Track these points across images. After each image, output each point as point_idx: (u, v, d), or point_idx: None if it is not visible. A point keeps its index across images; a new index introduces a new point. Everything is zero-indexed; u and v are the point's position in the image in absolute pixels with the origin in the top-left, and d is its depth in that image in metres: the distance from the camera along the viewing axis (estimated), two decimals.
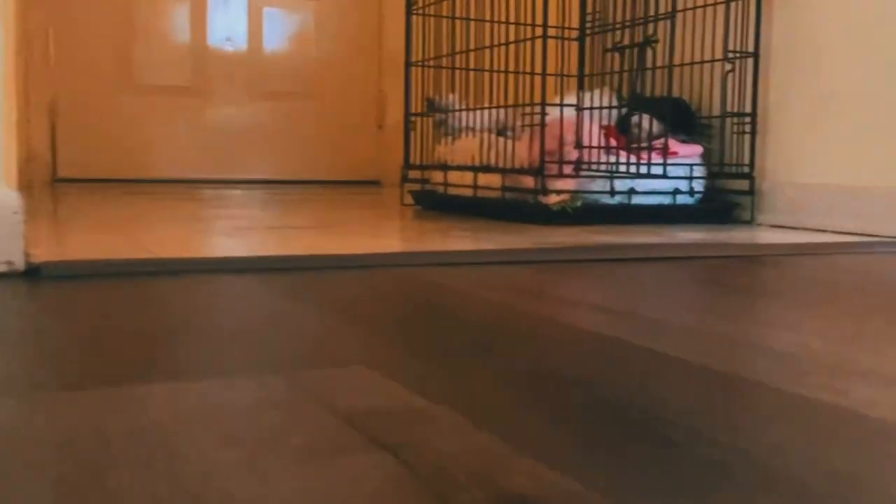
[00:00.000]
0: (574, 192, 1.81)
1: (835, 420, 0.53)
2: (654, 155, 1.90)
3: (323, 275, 1.09)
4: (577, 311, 0.89)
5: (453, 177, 2.11)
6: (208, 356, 0.67)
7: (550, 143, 1.81)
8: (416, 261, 1.20)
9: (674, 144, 2.00)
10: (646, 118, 2.09)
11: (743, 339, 0.77)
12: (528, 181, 1.82)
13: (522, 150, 1.85)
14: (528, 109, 1.84)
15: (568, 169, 1.81)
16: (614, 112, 2.18)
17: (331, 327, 0.79)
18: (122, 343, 0.72)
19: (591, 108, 1.81)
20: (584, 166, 1.82)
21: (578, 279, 1.13)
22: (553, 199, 1.80)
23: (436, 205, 2.20)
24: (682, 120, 2.09)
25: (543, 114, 1.79)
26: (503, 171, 1.90)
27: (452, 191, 2.12)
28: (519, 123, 1.89)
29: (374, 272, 1.11)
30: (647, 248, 1.39)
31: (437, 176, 2.18)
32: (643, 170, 1.83)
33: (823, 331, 0.81)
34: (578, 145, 1.81)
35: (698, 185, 1.98)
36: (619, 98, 2.29)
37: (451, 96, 2.23)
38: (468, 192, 2.03)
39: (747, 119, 1.98)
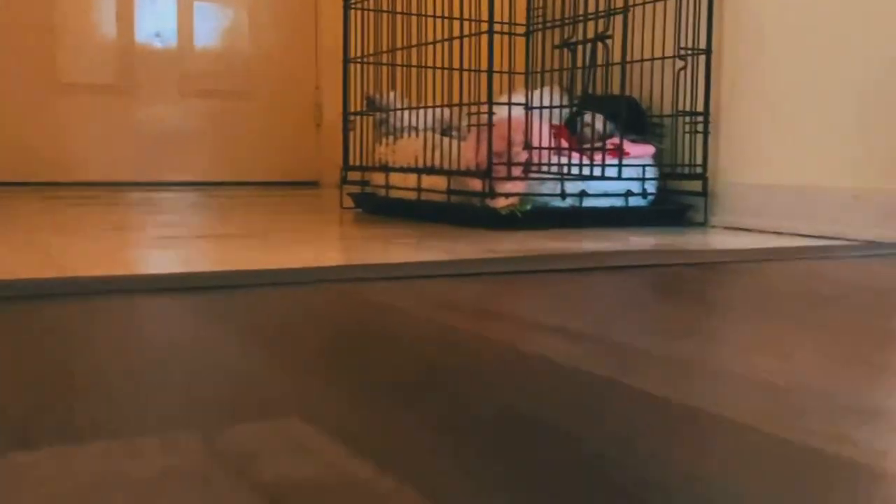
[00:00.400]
0: (523, 195, 1.73)
1: (834, 472, 0.44)
2: (606, 155, 1.83)
3: (254, 294, 0.98)
4: (530, 333, 0.80)
5: (395, 179, 2.01)
6: (110, 407, 0.56)
7: (498, 144, 1.72)
8: (357, 275, 1.10)
9: (626, 145, 1.92)
10: (597, 118, 2.02)
11: (715, 366, 0.68)
12: (475, 184, 1.73)
13: (469, 151, 1.75)
14: (474, 108, 1.74)
15: (517, 171, 1.72)
16: (564, 111, 2.10)
17: (260, 362, 0.68)
18: (3, 391, 0.60)
19: (541, 108, 1.73)
20: (534, 168, 1.73)
21: (531, 293, 1.04)
22: (501, 202, 1.71)
23: (377, 208, 2.10)
24: (633, 119, 2.02)
25: (490, 113, 1.70)
26: (448, 173, 1.81)
27: (395, 193, 2.02)
28: (464, 123, 1.80)
29: (311, 289, 1.01)
30: (601, 256, 1.30)
31: (378, 178, 2.08)
32: (595, 171, 1.75)
33: (804, 354, 0.72)
34: (527, 146, 1.72)
35: (651, 187, 1.91)
36: (570, 97, 2.22)
37: (392, 94, 2.12)
38: (412, 195, 1.93)
39: (700, 118, 1.92)
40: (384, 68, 2.09)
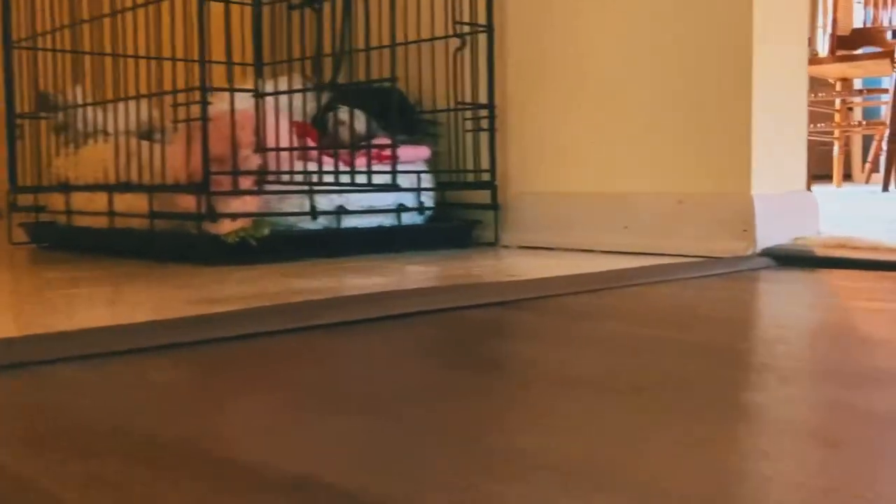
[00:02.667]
0: (258, 216, 1.24)
1: None
2: (372, 159, 1.38)
3: None
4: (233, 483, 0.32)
5: (79, 201, 1.45)
6: None
7: (218, 146, 1.22)
8: (11, 358, 0.57)
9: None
10: (356, 114, 1.57)
11: None
12: (188, 202, 1.22)
13: (176, 158, 1.24)
14: (182, 98, 1.23)
15: (247, 182, 1.23)
16: (310, 106, 1.63)
17: None
18: None
19: (277, 94, 1.25)
20: (272, 178, 1.25)
21: (250, 377, 0.56)
22: (226, 226, 1.21)
23: (61, 242, 1.53)
24: (397, 114, 1.59)
25: (205, 102, 1.20)
26: (150, 190, 1.28)
27: (80, 221, 1.45)
28: (171, 120, 1.28)
29: None
30: (364, 301, 0.84)
31: (58, 201, 1.51)
32: (359, 181, 1.29)
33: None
34: (260, 148, 1.23)
35: (428, 199, 1.49)
36: (318, 88, 1.75)
37: (78, 90, 1.56)
38: (104, 222, 1.38)
39: (484, 112, 1.52)
40: (66, 57, 1.52)
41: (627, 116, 1.38)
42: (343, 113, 1.57)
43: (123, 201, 1.34)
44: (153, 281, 1.11)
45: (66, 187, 1.47)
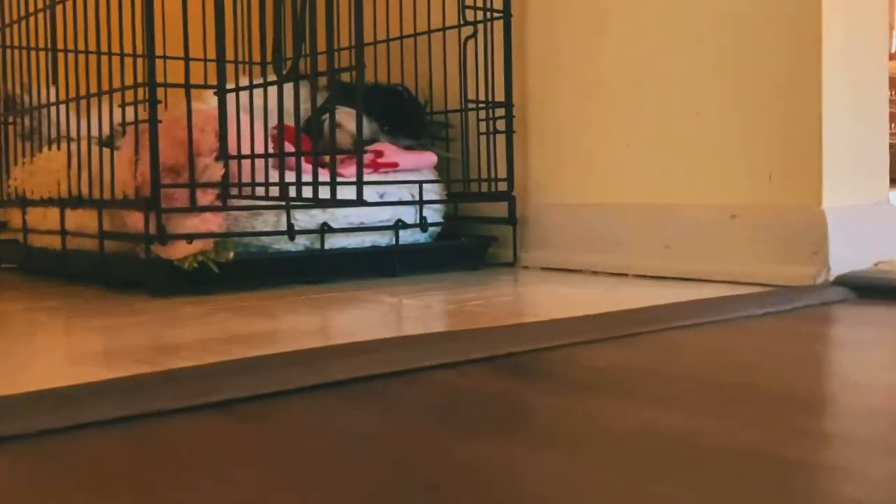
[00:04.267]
0: (220, 236, 1.03)
1: None
2: (354, 168, 1.18)
3: None
4: None
5: (34, 217, 1.27)
6: None
7: (171, 153, 1.02)
8: None
9: (393, 152, 1.28)
10: (351, 116, 1.37)
11: None
12: (137, 220, 1.02)
13: (123, 168, 1.04)
14: (131, 96, 1.04)
15: (207, 196, 1.03)
16: (303, 108, 1.43)
17: None
18: None
19: (239, 90, 1.04)
20: (238, 191, 1.04)
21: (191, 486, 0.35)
22: (180, 250, 1.01)
23: (23, 263, 1.35)
24: (401, 117, 1.38)
25: (153, 100, 1.00)
26: (99, 205, 1.09)
27: (37, 241, 1.27)
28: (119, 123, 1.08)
29: None
30: (296, 363, 0.63)
31: (17, 217, 1.32)
32: (345, 194, 1.09)
33: None
34: (225, 156, 1.03)
35: (434, 213, 1.27)
36: (281, 78, 1.56)
37: (52, 91, 1.38)
38: (58, 242, 1.20)
39: (500, 112, 1.30)
40: (39, 53, 1.34)
41: (669, 112, 1.15)
42: (340, 114, 1.37)
43: (75, 218, 1.15)
44: (103, 312, 0.91)
45: (21, 201, 1.29)
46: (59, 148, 1.24)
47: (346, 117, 1.37)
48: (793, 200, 1.03)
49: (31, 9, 1.26)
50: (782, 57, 1.04)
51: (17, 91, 1.38)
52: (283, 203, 1.06)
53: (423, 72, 1.40)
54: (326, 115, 1.39)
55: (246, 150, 1.03)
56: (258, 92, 1.12)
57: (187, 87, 1.02)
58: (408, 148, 1.33)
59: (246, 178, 1.03)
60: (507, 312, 0.90)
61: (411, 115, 1.39)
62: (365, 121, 1.34)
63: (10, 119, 1.37)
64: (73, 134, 1.19)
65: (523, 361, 0.66)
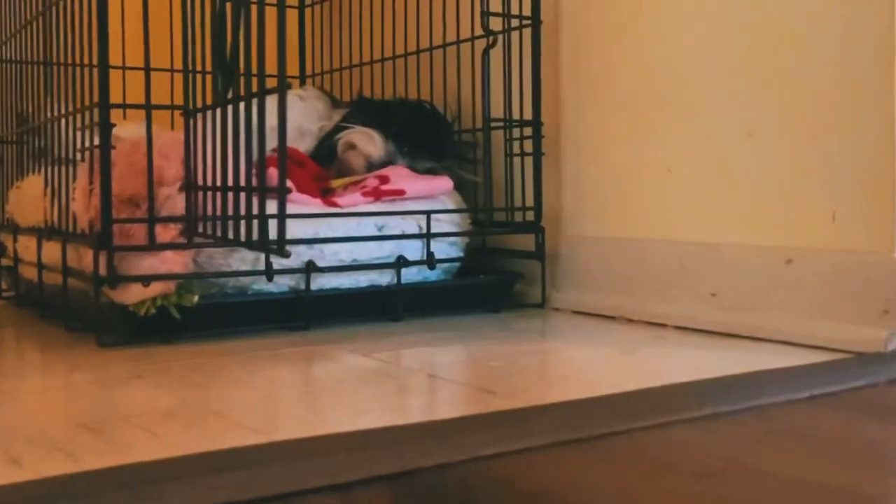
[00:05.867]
0: (180, 278, 0.91)
1: None
2: (356, 196, 1.05)
3: None
4: None
5: (22, 246, 1.18)
6: None
7: (130, 182, 0.90)
8: None
9: (401, 177, 1.13)
10: (369, 136, 1.24)
11: None
12: (89, 258, 0.91)
13: (78, 200, 0.93)
14: (83, 118, 0.93)
15: (168, 232, 0.90)
16: (316, 126, 1.32)
17: None
18: None
19: (206, 109, 0.91)
20: (205, 226, 0.92)
21: None
22: (134, 294, 0.89)
23: (18, 294, 1.27)
24: (427, 136, 1.24)
25: (106, 123, 0.88)
26: (63, 238, 0.99)
27: (25, 271, 1.19)
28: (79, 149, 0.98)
29: None
30: (180, 477, 0.49)
31: (12, 244, 1.24)
32: (337, 227, 0.95)
33: None
34: (190, 186, 0.91)
35: (449, 248, 1.12)
36: (332, 98, 1.44)
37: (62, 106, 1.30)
38: (35, 275, 1.10)
39: (528, 131, 1.14)
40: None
41: (720, 137, 0.97)
42: (354, 134, 1.24)
43: (49, 250, 1.06)
44: (15, 373, 0.81)
45: (13, 229, 1.21)
46: (34, 173, 1.15)
47: (360, 137, 1.24)
48: (860, 246, 0.84)
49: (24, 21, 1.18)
50: (850, 75, 0.85)
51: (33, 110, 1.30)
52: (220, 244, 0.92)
53: (451, 87, 1.25)
54: (342, 135, 1.26)
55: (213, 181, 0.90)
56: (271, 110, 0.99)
57: (148, 107, 0.90)
58: (428, 171, 1.19)
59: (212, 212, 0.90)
60: (520, 376, 0.74)
61: (436, 134, 1.25)
62: (380, 140, 1.21)
63: (13, 138, 1.30)
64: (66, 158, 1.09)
65: (526, 461, 0.50)
